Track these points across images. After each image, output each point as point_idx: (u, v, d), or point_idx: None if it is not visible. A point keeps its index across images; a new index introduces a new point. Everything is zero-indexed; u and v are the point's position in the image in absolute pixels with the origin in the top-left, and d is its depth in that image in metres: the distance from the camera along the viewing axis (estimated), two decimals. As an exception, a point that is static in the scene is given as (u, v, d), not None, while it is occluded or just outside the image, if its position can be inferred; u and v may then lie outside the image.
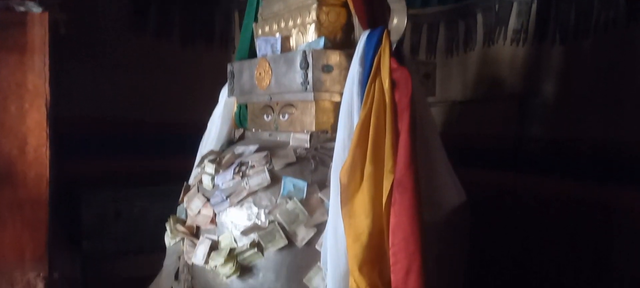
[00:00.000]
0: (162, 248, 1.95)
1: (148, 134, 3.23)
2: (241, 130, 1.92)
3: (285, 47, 1.71)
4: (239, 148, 1.72)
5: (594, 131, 2.29)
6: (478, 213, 1.77)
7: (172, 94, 3.32)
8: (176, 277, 1.86)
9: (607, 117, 2.24)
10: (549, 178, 2.47)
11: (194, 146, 2.08)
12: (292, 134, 1.64)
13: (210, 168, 1.68)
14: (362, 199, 1.34)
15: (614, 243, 2.20)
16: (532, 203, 2.50)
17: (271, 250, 1.49)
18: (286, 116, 1.71)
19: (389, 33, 1.38)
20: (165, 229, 1.89)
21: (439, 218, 1.46)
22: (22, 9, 1.99)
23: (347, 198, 1.36)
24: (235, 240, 1.54)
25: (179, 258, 1.84)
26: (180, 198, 1.83)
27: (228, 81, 1.94)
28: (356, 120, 1.38)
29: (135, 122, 3.25)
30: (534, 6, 2.58)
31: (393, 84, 1.32)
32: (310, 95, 1.58)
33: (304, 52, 1.53)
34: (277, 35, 1.76)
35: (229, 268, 1.51)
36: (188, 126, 2.54)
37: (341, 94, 1.50)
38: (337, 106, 1.58)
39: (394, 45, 1.39)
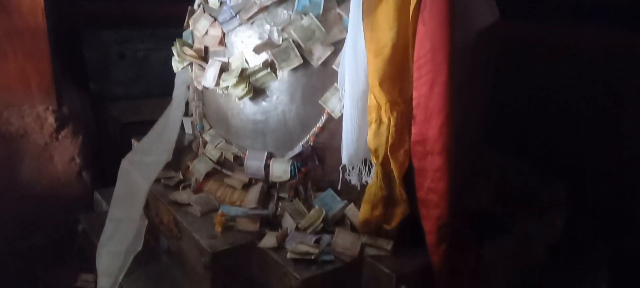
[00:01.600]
0: (170, 93, 1.89)
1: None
2: (249, -52, 1.72)
3: None
4: (247, -37, 1.54)
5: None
6: (501, 62, 1.66)
7: None
8: (186, 111, 1.82)
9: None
10: (572, 26, 2.32)
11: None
12: (307, -57, 1.45)
13: (216, -17, 1.52)
14: (386, 9, 1.21)
15: (632, 91, 2.12)
16: (553, 52, 2.38)
17: (285, 70, 1.40)
18: None
19: None
20: (171, 73, 1.81)
21: (468, 37, 1.33)
22: None
23: (369, 8, 1.22)
24: (246, 61, 1.45)
25: (188, 88, 1.77)
26: (185, 23, 1.70)
27: None
28: None
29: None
30: None
31: None
32: None
33: None
34: None
35: (241, 90, 1.44)
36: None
37: None
38: None
39: None
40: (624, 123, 2.17)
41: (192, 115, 1.82)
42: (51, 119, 2.14)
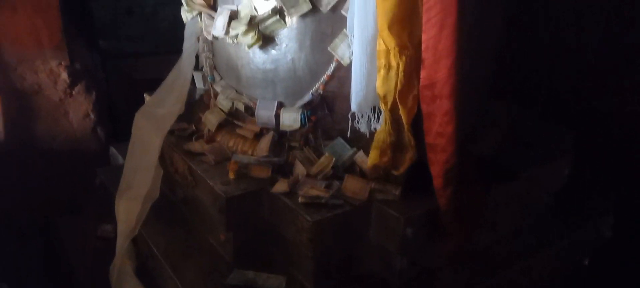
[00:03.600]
0: (179, 50, 1.89)
1: None
2: None
3: None
4: None
5: None
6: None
7: None
8: (197, 64, 1.83)
9: None
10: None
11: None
12: None
13: None
14: (396, -49, 1.19)
15: None
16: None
17: (294, 17, 1.40)
18: None
19: None
20: (180, 30, 1.81)
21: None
22: None
23: (378, -49, 1.21)
24: (255, 8, 1.45)
25: (198, 39, 1.78)
26: (193, -27, 1.69)
27: None
28: None
29: None
30: None
31: None
32: None
33: None
34: None
35: (250, 38, 1.45)
36: None
37: None
38: None
39: None
40: (634, 72, 2.14)
41: (202, 68, 1.83)
42: (64, 75, 2.17)
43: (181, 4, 1.73)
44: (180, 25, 1.83)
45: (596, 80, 2.24)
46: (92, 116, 2.29)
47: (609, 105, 2.18)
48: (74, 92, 2.22)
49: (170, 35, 2.51)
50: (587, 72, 2.26)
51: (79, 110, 2.25)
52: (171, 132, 1.67)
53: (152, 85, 1.94)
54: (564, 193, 1.76)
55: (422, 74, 1.24)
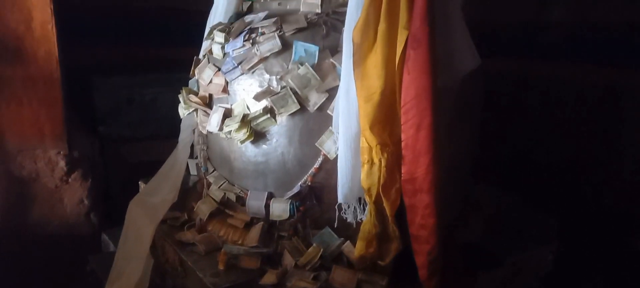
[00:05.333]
0: (175, 134, 1.99)
1: (155, 21, 3.17)
2: (249, 3, 1.85)
3: None
4: (248, 18, 1.67)
5: (615, 14, 2.19)
6: (492, 98, 1.75)
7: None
8: (191, 154, 1.91)
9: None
10: (566, 63, 2.41)
11: (201, 35, 2.02)
12: (302, 0, 1.58)
13: (219, 37, 1.64)
14: (375, 59, 1.31)
15: (627, 126, 2.19)
16: (547, 89, 2.47)
17: (284, 115, 1.50)
18: (296, -19, 1.63)
19: None
20: (178, 114, 1.91)
21: (452, 83, 1.44)
22: None
23: (359, 58, 1.33)
24: (248, 107, 1.55)
25: (194, 132, 1.87)
26: (190, 72, 1.82)
27: (235, -50, 1.83)
28: (370, -24, 1.31)
29: (142, 9, 3.17)
30: None
31: None
32: (322, -46, 1.50)
33: None
34: None
35: (243, 134, 1.54)
36: (195, 14, 2.46)
37: (354, -47, 1.41)
38: (349, -33, 1.50)
39: None
40: (616, 157, 2.25)
41: (197, 157, 1.91)
42: (62, 163, 2.24)
43: (179, 94, 1.84)
44: (177, 109, 1.92)
45: (579, 165, 2.34)
46: (86, 202, 2.33)
47: (594, 191, 2.26)
48: (70, 179, 2.27)
49: (167, 120, 2.62)
50: (571, 158, 2.37)
51: (73, 197, 2.30)
52: (164, 221, 1.71)
53: (149, 168, 2.00)
54: (550, 278, 1.78)
55: (403, 169, 1.32)
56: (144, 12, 3.18)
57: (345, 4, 1.46)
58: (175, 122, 1.99)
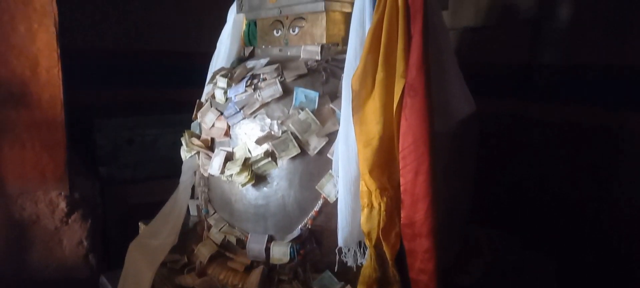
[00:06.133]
0: (175, 174, 2.01)
1: (156, 63, 3.26)
2: (250, 48, 1.92)
3: (295, -43, 1.68)
4: (250, 63, 1.72)
5: (609, 56, 2.26)
6: (486, 139, 1.80)
7: (179, 23, 3.30)
8: (192, 195, 1.93)
9: (620, 41, 2.20)
10: (561, 105, 2.47)
11: (203, 76, 2.09)
12: (302, 47, 1.64)
13: (222, 82, 1.69)
14: (373, 106, 1.36)
15: (621, 168, 2.23)
16: (541, 130, 2.52)
17: (284, 159, 1.53)
18: (296, 30, 1.70)
19: None
20: (177, 155, 1.94)
21: (448, 127, 1.48)
22: None
23: (358, 105, 1.38)
24: (249, 151, 1.58)
25: (195, 174, 1.90)
26: (193, 115, 1.86)
27: (237, -3, 1.91)
28: (368, 27, 1.38)
29: (143, 52, 3.26)
30: None
31: (406, -14, 1.30)
32: (321, 5, 1.56)
33: (315, -41, 1.50)
34: (286, -56, 1.71)
35: (244, 177, 1.56)
36: (197, 56, 2.54)
37: (352, 5, 1.48)
38: (347, 17, 1.57)
39: (407, -52, 1.35)
40: (611, 198, 2.27)
41: (198, 198, 1.93)
42: (63, 204, 2.24)
43: (181, 137, 1.87)
44: (177, 150, 1.95)
45: (576, 205, 2.36)
46: (85, 243, 2.33)
47: (591, 230, 2.27)
48: (69, 221, 2.27)
49: (167, 160, 2.65)
50: (568, 197, 2.38)
51: (73, 238, 2.29)
52: (163, 264, 1.71)
53: (149, 209, 2.01)
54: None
55: (402, 213, 1.34)
56: (145, 55, 3.27)
57: (343, 52, 1.52)
58: (175, 162, 2.02)
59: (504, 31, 2.79)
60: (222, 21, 2.06)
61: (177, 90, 3.05)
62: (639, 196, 2.12)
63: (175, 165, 2.02)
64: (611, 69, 2.26)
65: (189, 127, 1.90)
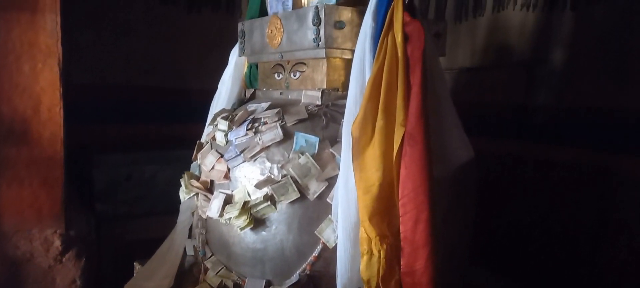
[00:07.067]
0: (173, 211, 2.01)
1: (157, 100, 3.29)
2: (252, 90, 1.95)
3: (297, 3, 1.72)
4: (251, 106, 1.75)
5: (602, 99, 2.30)
6: (484, 180, 1.81)
7: (179, 61, 3.35)
8: (190, 235, 1.92)
9: (616, 84, 2.25)
10: (556, 146, 2.49)
11: (202, 113, 2.11)
12: (303, 92, 1.67)
13: (223, 125, 1.71)
14: (373, 153, 1.37)
15: (617, 210, 2.23)
16: (538, 171, 2.53)
17: (284, 203, 1.53)
18: (297, 74, 1.73)
19: (401, -12, 1.39)
20: (175, 192, 1.94)
21: (447, 173, 1.49)
22: (33, -33, 2.00)
23: (358, 151, 1.39)
24: (248, 194, 1.58)
25: (193, 214, 1.89)
26: (193, 156, 1.87)
27: (239, 40, 1.95)
28: (368, 75, 1.40)
29: (143, 88, 3.29)
30: (545, -30, 2.55)
31: (405, 38, 1.33)
32: (322, 52, 1.60)
33: (317, 7, 1.54)
34: (289, -7, 1.76)
35: (243, 221, 1.56)
36: (196, 93, 2.57)
37: (352, 52, 1.52)
38: (348, 63, 1.60)
39: (407, 0, 1.40)
40: (611, 239, 2.26)
41: (195, 238, 1.91)
42: (57, 242, 2.21)
43: (179, 173, 1.88)
44: (176, 186, 1.94)
45: (575, 247, 2.35)
46: (78, 282, 2.28)
47: (590, 273, 2.26)
48: (64, 259, 2.24)
49: (165, 197, 2.63)
50: (566, 239, 2.38)
51: (66, 277, 2.25)
52: (159, 308, 1.68)
53: (145, 246, 1.99)
54: None
55: (402, 261, 1.33)
56: (144, 92, 3.29)
57: (343, 97, 1.54)
58: (172, 198, 2.01)
59: (499, 72, 2.84)
60: (222, 59, 2.10)
61: (177, 125, 3.07)
62: (637, 239, 2.12)
63: (173, 201, 2.02)
64: (605, 112, 2.30)
65: (188, 163, 1.90)
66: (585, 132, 2.37)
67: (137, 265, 2.01)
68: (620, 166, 2.22)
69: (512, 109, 2.73)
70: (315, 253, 1.52)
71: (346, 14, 1.57)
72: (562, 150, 2.47)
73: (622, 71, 2.23)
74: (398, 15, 1.34)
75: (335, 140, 1.54)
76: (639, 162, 2.12)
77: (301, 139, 1.54)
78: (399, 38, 1.33)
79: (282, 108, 1.65)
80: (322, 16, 1.53)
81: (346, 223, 1.41)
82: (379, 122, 1.36)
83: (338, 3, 1.59)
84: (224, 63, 2.08)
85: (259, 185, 1.55)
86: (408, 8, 1.37)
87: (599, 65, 2.32)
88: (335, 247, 1.46)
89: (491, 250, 2.38)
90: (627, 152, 2.18)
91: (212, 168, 1.69)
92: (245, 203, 1.57)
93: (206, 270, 1.74)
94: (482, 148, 1.73)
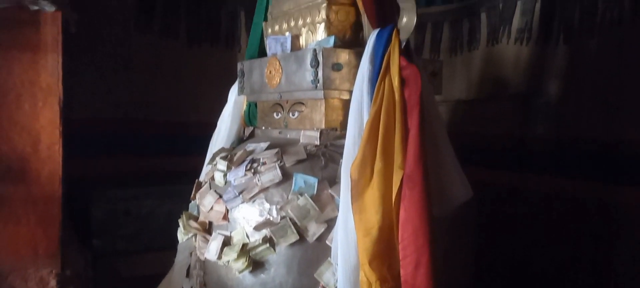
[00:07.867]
0: (171, 246, 1.99)
1: (156, 134, 3.28)
2: (251, 128, 1.96)
3: (295, 45, 1.75)
4: (250, 146, 1.75)
5: (597, 131, 2.32)
6: (482, 211, 1.81)
7: (179, 95, 3.37)
8: (187, 274, 1.90)
9: (610, 116, 2.27)
10: (552, 177, 2.50)
11: (201, 146, 2.12)
12: (302, 132, 1.68)
13: (222, 165, 1.71)
14: (372, 195, 1.37)
15: (615, 241, 2.23)
16: (535, 202, 2.53)
17: (283, 245, 1.52)
18: (296, 114, 1.74)
19: (398, 31, 1.41)
20: (174, 227, 1.93)
21: (446, 213, 1.48)
22: (35, 7, 2.02)
23: (357, 193, 1.39)
24: (247, 236, 1.57)
25: (191, 254, 1.87)
26: (192, 195, 1.86)
27: (238, 79, 1.97)
28: (366, 118, 1.41)
29: (143, 122, 3.30)
30: (538, 5, 2.60)
31: (402, 82, 1.35)
32: (320, 93, 1.61)
33: (314, 50, 1.56)
34: (287, 34, 1.79)
35: (241, 263, 1.54)
36: (195, 126, 2.58)
37: (350, 92, 1.53)
38: (346, 104, 1.62)
39: (403, 44, 1.42)
40: (611, 271, 2.24)
41: (192, 278, 1.89)
42: (53, 282, 2.18)
43: (178, 208, 1.86)
44: (174, 221, 1.93)
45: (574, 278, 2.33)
46: (73, 323, 2.24)
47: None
48: (60, 299, 2.20)
49: (163, 232, 2.61)
50: (565, 271, 2.36)
51: (61, 317, 2.21)
52: None
53: (142, 283, 1.96)
54: None
55: (403, 306, 1.32)
56: (142, 126, 3.29)
57: (342, 137, 1.55)
58: (170, 233, 1.99)
59: (495, 104, 2.87)
60: (221, 93, 2.11)
61: (176, 158, 3.06)
62: (638, 269, 2.11)
63: (170, 236, 2.00)
64: (600, 144, 2.32)
65: (186, 198, 1.89)
66: (582, 163, 2.38)
67: (133, 305, 1.98)
68: (618, 198, 2.23)
69: (508, 140, 2.74)
70: (315, 296, 1.50)
71: (344, 55, 1.59)
72: (558, 181, 2.48)
73: (615, 103, 2.25)
74: (395, 59, 1.36)
75: (334, 181, 1.54)
76: (633, 191, 2.13)
77: (300, 179, 1.54)
78: (395, 82, 1.35)
79: (281, 148, 1.65)
80: (320, 59, 1.56)
81: (346, 266, 1.40)
82: (378, 165, 1.36)
83: (335, 45, 1.61)
84: (223, 97, 2.10)
85: (257, 227, 1.55)
86: (404, 52, 1.39)
87: (593, 96, 2.35)
88: (335, 290, 1.44)
89: (487, 278, 2.34)
90: (622, 184, 2.19)
91: (211, 208, 1.68)
92: (244, 245, 1.56)
93: (204, 312, 1.71)
94: (478, 179, 1.73)
